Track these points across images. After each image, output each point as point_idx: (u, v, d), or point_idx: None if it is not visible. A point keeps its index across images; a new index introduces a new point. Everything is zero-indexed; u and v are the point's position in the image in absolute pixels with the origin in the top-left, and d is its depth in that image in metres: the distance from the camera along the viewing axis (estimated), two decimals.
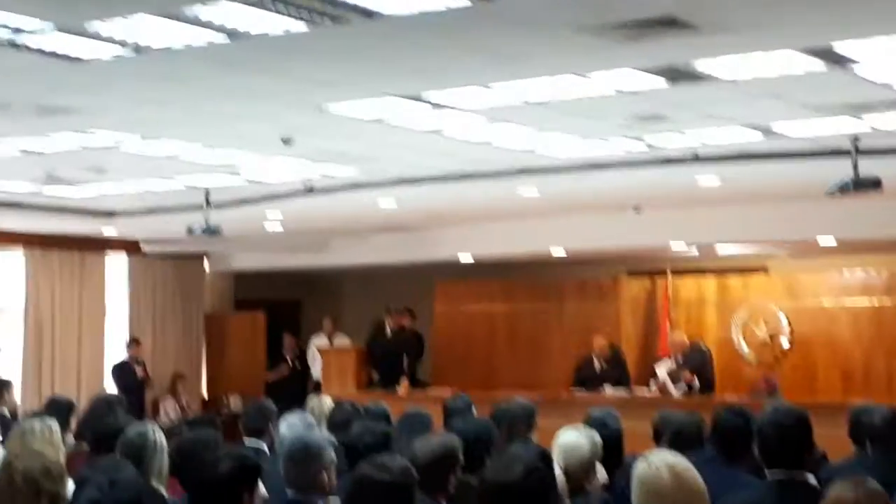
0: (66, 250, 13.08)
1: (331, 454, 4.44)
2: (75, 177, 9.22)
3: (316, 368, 13.70)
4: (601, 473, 4.94)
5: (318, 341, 14.22)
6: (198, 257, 14.75)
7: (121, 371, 12.95)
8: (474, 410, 6.75)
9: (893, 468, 4.63)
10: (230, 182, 9.41)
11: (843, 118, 6.88)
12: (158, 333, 14.18)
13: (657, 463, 3.52)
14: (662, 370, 11.42)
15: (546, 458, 4.22)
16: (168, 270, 14.37)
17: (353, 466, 4.49)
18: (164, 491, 4.79)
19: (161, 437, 4.97)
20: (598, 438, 4.91)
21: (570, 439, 4.83)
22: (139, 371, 12.99)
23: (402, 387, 12.56)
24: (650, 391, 11.40)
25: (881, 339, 11.99)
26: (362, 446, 4.94)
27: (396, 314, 13.30)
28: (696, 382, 11.24)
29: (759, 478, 4.61)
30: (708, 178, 8.92)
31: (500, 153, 8.06)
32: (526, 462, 3.22)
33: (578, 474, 4.68)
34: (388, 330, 13.31)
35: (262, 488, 3.82)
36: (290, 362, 14.36)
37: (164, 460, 4.88)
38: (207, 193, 9.82)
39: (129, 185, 9.73)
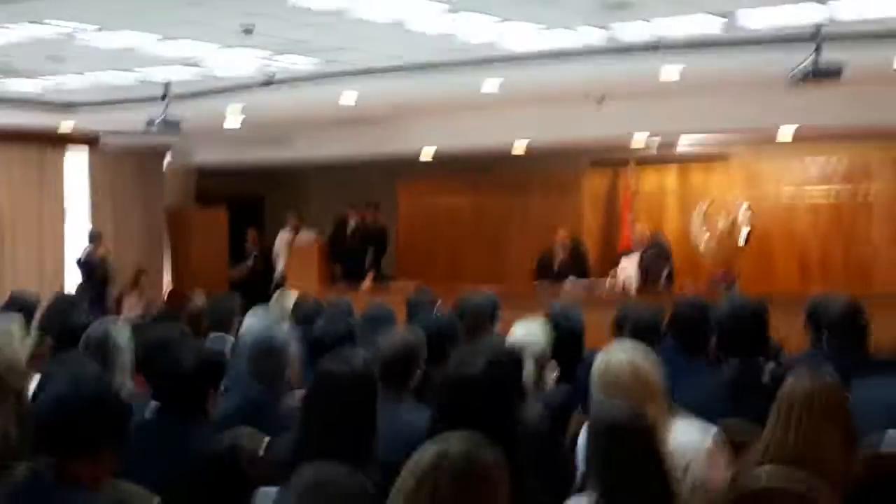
0: (23, 145, 12.89)
1: (294, 349, 4.46)
2: (32, 68, 9.05)
3: (280, 264, 13.69)
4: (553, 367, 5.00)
5: (284, 235, 14.18)
6: (158, 152, 14.60)
7: (86, 264, 12.89)
8: (439, 303, 6.80)
9: (849, 358, 4.72)
10: (189, 74, 9.27)
11: (807, 5, 6.83)
12: (120, 229, 14.10)
13: (616, 355, 3.57)
14: (627, 266, 11.51)
15: (514, 353, 4.25)
16: (128, 165, 14.23)
17: (316, 361, 4.52)
18: (128, 383, 4.81)
19: (125, 334, 4.97)
20: (550, 332, 4.96)
21: (526, 333, 4.87)
22: (100, 267, 12.91)
23: (366, 282, 12.60)
24: (611, 283, 11.49)
25: (839, 229, 12.11)
26: (326, 341, 4.96)
27: (360, 209, 13.27)
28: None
29: (717, 368, 4.71)
30: (670, 69, 8.88)
31: (463, 45, 7.97)
32: (488, 355, 3.24)
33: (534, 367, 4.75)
34: (352, 225, 13.27)
35: None
36: (253, 258, 14.34)
37: (127, 356, 4.89)
38: (166, 86, 9.67)
39: (88, 77, 9.58)
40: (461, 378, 3.19)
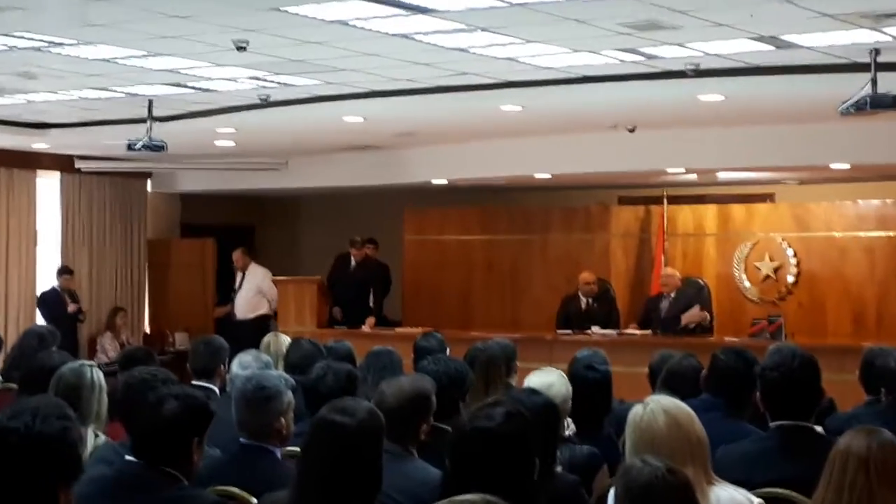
0: None
1: (289, 397, 4.45)
2: (1, 85, 9.10)
3: (262, 302, 13.62)
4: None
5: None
6: (140, 176, 14.66)
7: (47, 301, 12.89)
8: (448, 351, 6.79)
9: None
10: (176, 92, 9.32)
11: (862, 29, 6.86)
12: (96, 261, 14.14)
13: (653, 407, 3.56)
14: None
15: (553, 408, 4.23)
16: (106, 191, 14.29)
17: (313, 411, 4.51)
18: (101, 434, 4.79)
19: (99, 376, 4.96)
20: (569, 386, 4.95)
21: (542, 384, 4.86)
22: (70, 303, 12.93)
23: (368, 324, 12.60)
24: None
25: None
26: (324, 388, 4.95)
27: (361, 245, 13.28)
28: (706, 316, 11.32)
29: (761, 429, 4.68)
30: (710, 95, 8.91)
31: (480, 63, 8.01)
32: (507, 407, 3.23)
33: None
34: (353, 262, 13.29)
35: None
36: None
37: (102, 401, 4.88)
38: (150, 104, 9.73)
39: (63, 95, 9.63)
40: (477, 432, 3.18)
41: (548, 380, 4.99)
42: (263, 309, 13.53)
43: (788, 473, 4.11)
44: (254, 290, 13.54)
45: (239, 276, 13.76)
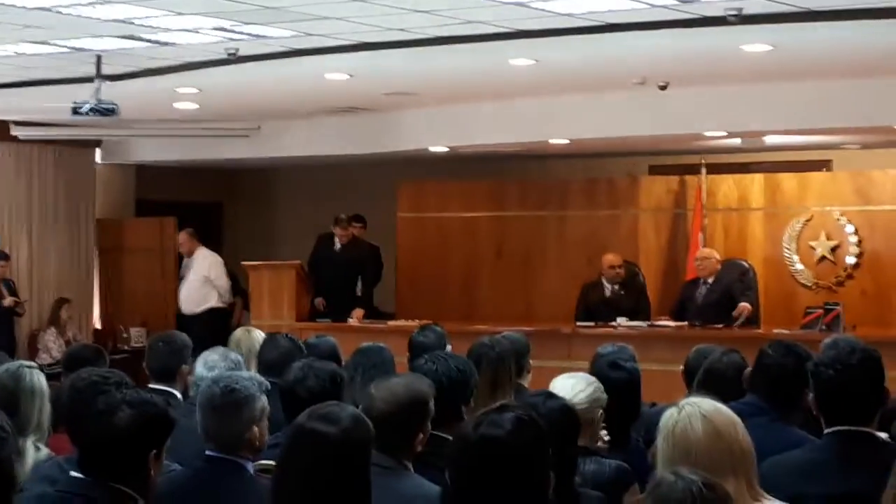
0: None
1: (262, 402, 4.46)
2: None
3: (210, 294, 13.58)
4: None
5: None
6: (87, 145, 14.67)
7: None
8: (449, 347, 6.80)
9: None
10: (129, 46, 9.32)
11: None
12: (36, 245, 14.15)
13: (689, 411, 3.57)
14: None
15: (570, 414, 4.25)
16: (48, 162, 14.31)
17: (290, 418, 4.52)
18: (43, 447, 4.81)
19: (40, 379, 4.97)
20: (602, 391, 4.98)
21: (573, 390, 4.88)
22: (5, 294, 12.95)
23: (356, 316, 12.61)
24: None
25: None
26: (303, 392, 4.95)
27: (347, 224, 13.29)
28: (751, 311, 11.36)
29: (814, 435, 4.70)
30: (755, 45, 8.90)
31: (486, 9, 8.01)
32: (518, 413, 3.24)
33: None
34: (338, 245, 13.29)
35: None
36: None
37: (44, 409, 4.89)
38: (99, 60, 9.72)
39: None
40: (483, 441, 3.19)
41: (577, 384, 5.00)
42: (212, 301, 13.55)
43: (847, 487, 4.13)
44: (200, 280, 13.54)
45: (185, 262, 13.79)
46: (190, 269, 13.69)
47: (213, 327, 12.58)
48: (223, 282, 13.54)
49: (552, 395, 4.43)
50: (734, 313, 11.33)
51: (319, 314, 12.95)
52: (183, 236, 13.80)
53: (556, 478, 3.29)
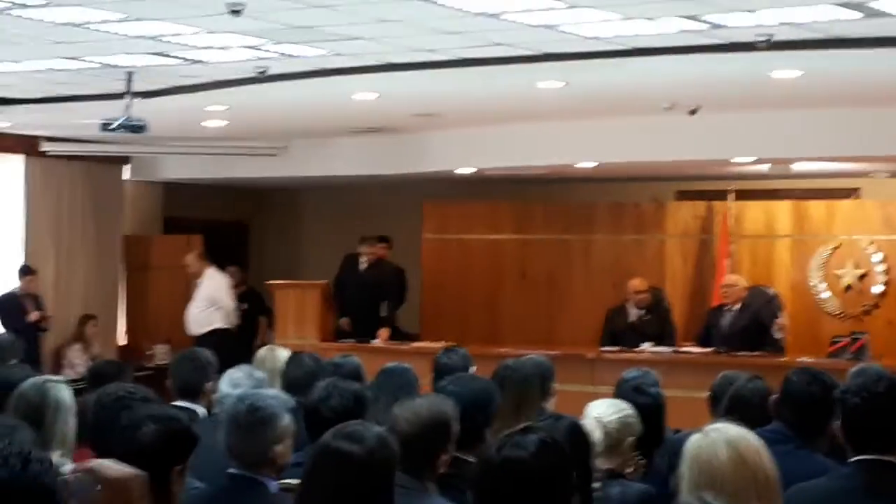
0: None
1: (286, 420, 4.47)
2: None
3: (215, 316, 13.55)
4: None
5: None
6: (116, 162, 14.72)
7: (5, 307, 12.96)
8: (473, 369, 6.79)
9: None
10: (159, 63, 9.36)
11: None
12: (63, 260, 14.20)
13: (715, 437, 3.56)
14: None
15: (578, 432, 4.24)
16: (77, 178, 14.35)
17: (314, 437, 4.52)
18: (68, 462, 4.82)
19: (66, 394, 4.98)
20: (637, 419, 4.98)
21: (602, 409, 4.88)
22: (32, 309, 13.00)
23: (381, 337, 12.61)
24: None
25: None
26: (327, 411, 4.96)
27: (373, 244, 13.31)
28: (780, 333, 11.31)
29: (839, 463, 4.67)
30: (785, 72, 8.89)
31: (514, 31, 8.02)
32: (542, 435, 3.23)
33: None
34: (364, 264, 13.30)
35: None
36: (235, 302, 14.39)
37: (69, 423, 4.90)
38: (129, 77, 9.76)
39: (26, 65, 9.67)
40: (507, 463, 3.17)
41: (612, 405, 5.01)
42: (216, 323, 13.45)
43: None
44: (206, 301, 13.50)
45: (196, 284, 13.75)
46: (197, 292, 13.67)
47: (218, 349, 12.54)
48: (228, 303, 13.50)
49: (560, 416, 4.43)
50: (773, 329, 11.26)
51: (344, 334, 12.95)
52: (190, 257, 13.77)
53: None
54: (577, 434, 4.25)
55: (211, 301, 13.48)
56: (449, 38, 8.26)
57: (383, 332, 12.74)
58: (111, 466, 2.70)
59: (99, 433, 4.58)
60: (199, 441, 3.91)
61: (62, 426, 4.89)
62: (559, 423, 4.23)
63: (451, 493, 4.25)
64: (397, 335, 13.09)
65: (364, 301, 13.08)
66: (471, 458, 4.41)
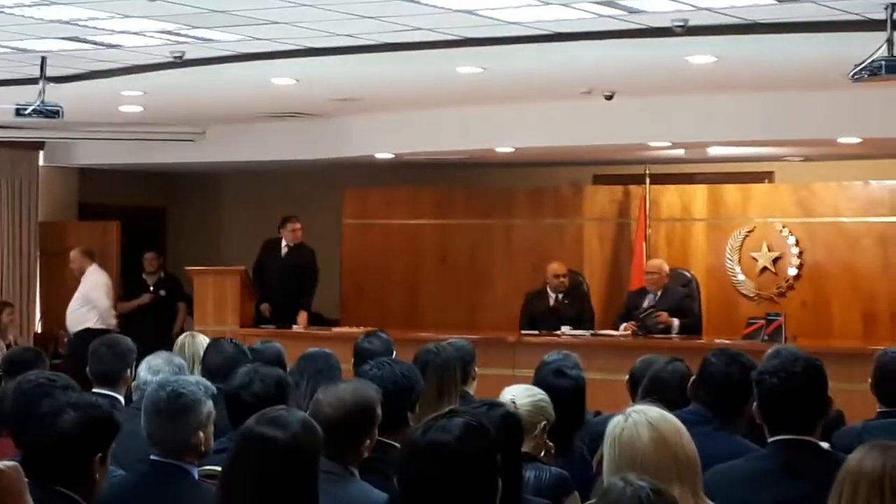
0: None
1: (209, 406, 4.45)
2: None
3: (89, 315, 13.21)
4: None
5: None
6: (30, 147, 14.54)
7: None
8: (394, 354, 6.80)
9: None
10: (74, 48, 9.26)
11: None
12: None
13: (636, 419, 3.59)
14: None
15: (513, 421, 4.27)
16: None
17: (236, 423, 4.50)
18: None
19: None
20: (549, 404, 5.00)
21: (514, 393, 4.90)
22: None
23: (301, 322, 12.58)
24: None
25: None
26: (249, 397, 4.96)
27: (296, 223, 13.17)
28: (675, 324, 11.42)
29: (757, 443, 4.73)
30: (701, 57, 8.96)
31: (434, 16, 8.01)
32: (467, 418, 3.24)
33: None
34: (285, 248, 13.22)
35: None
36: (151, 288, 14.27)
37: None
38: (43, 62, 9.65)
39: None
40: (432, 447, 3.18)
41: (524, 390, 5.03)
42: (89, 322, 12.96)
43: (790, 496, 4.16)
44: (80, 300, 13.18)
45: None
46: (78, 289, 13.35)
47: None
48: (103, 303, 13.14)
49: (496, 404, 4.44)
50: (659, 320, 11.41)
51: (265, 320, 12.89)
52: (74, 253, 13.44)
53: (503, 485, 3.29)
54: (513, 422, 4.26)
55: (86, 300, 13.15)
56: (368, 22, 8.24)
57: (303, 316, 12.69)
58: None
59: (19, 421, 4.53)
60: (121, 428, 3.89)
61: None
62: (493, 412, 4.23)
63: (374, 477, 4.25)
64: (317, 320, 13.05)
65: (285, 286, 13.00)
66: (394, 443, 4.42)
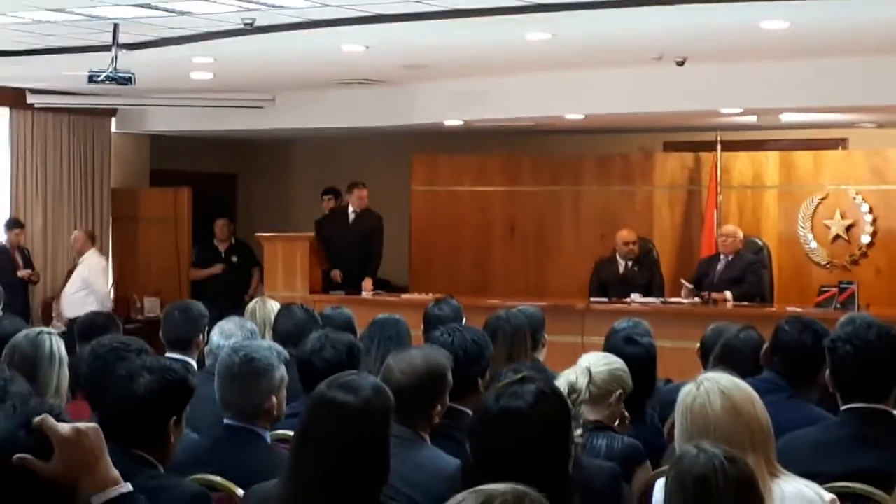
0: None
1: (281, 371, 4.48)
2: None
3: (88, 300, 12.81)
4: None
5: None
6: (103, 114, 14.66)
7: None
8: (464, 321, 6.82)
9: None
10: (145, 14, 9.31)
11: None
12: (51, 213, 14.16)
13: (708, 387, 3.58)
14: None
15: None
16: (63, 130, 14.29)
17: (308, 388, 4.53)
18: (63, 412, 4.83)
19: (59, 345, 5.01)
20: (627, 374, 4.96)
21: (592, 360, 4.88)
22: (21, 264, 12.96)
23: (366, 286, 12.63)
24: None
25: None
26: (321, 362, 4.98)
27: (362, 189, 13.19)
28: (728, 296, 11.33)
29: (830, 411, 4.70)
30: (773, 22, 8.87)
31: None
32: (539, 385, 3.24)
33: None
34: (352, 214, 13.26)
35: None
36: (223, 255, 14.35)
37: (63, 375, 4.92)
38: (115, 29, 9.71)
39: (12, 15, 9.61)
40: (506, 413, 3.19)
41: (603, 357, 4.99)
42: (88, 307, 11.84)
43: (865, 465, 4.14)
44: (78, 284, 13.09)
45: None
46: (75, 271, 13.29)
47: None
48: (103, 287, 13.16)
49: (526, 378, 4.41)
50: (716, 296, 11.33)
51: (334, 286, 12.92)
52: (77, 233, 13.45)
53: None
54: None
55: (84, 283, 13.07)
56: None
57: (367, 283, 12.73)
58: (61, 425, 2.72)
59: (94, 385, 4.59)
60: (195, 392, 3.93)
61: (56, 378, 4.91)
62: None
63: (445, 442, 4.27)
64: (385, 286, 13.09)
65: (353, 252, 13.02)
66: (465, 409, 4.44)
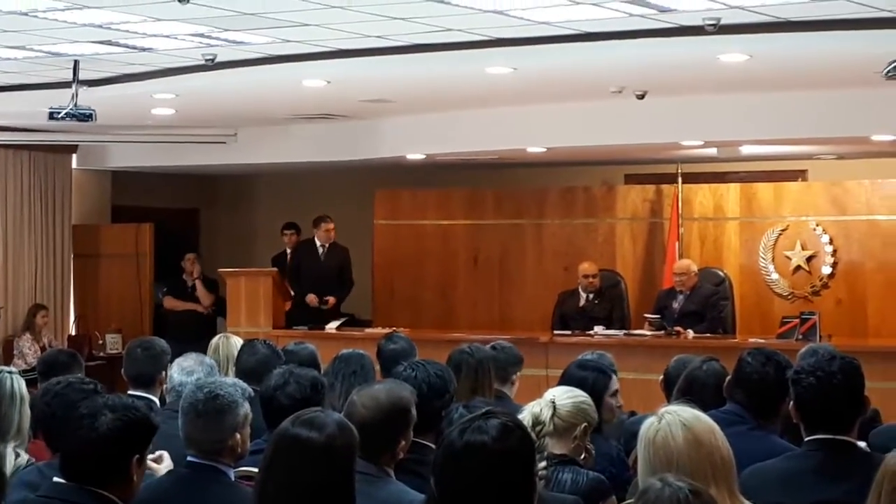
0: None
1: (245, 408, 4.46)
2: None
3: None
4: None
5: None
6: (64, 150, 14.61)
7: None
8: (416, 352, 6.80)
9: None
10: (106, 51, 9.30)
11: None
12: (11, 250, 14.07)
13: (669, 419, 3.58)
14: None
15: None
16: (24, 167, 14.23)
17: (272, 424, 4.52)
18: (23, 453, 4.79)
19: (20, 384, 4.96)
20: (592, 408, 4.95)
21: (557, 393, 4.88)
22: None
23: (331, 303, 12.65)
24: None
25: None
26: (285, 398, 4.95)
27: (329, 223, 13.21)
28: (690, 334, 11.32)
29: (793, 443, 4.72)
30: (733, 55, 8.93)
31: (464, 17, 8.02)
32: (504, 419, 3.24)
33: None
34: (320, 250, 13.25)
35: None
36: (192, 289, 14.20)
37: (24, 414, 4.87)
38: (76, 65, 9.70)
39: None
40: (469, 448, 3.18)
41: (569, 391, 4.97)
42: None
43: (828, 496, 4.14)
44: None
45: None
46: None
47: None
48: None
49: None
50: (679, 331, 11.34)
51: (301, 318, 12.82)
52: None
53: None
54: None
55: None
56: (398, 23, 8.25)
57: (331, 300, 12.78)
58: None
59: (55, 424, 4.55)
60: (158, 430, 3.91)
61: (17, 417, 4.86)
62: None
63: (409, 477, 4.26)
64: (349, 321, 13.07)
65: (331, 284, 13.04)
66: (429, 443, 4.43)
